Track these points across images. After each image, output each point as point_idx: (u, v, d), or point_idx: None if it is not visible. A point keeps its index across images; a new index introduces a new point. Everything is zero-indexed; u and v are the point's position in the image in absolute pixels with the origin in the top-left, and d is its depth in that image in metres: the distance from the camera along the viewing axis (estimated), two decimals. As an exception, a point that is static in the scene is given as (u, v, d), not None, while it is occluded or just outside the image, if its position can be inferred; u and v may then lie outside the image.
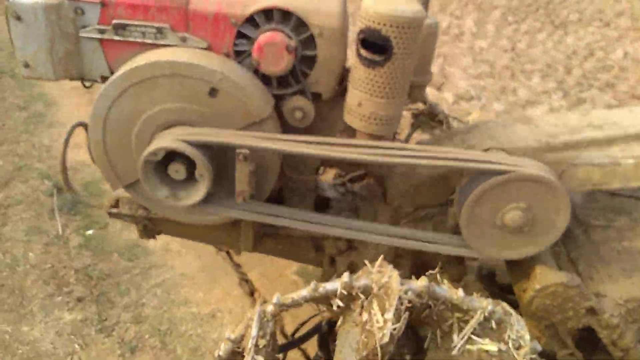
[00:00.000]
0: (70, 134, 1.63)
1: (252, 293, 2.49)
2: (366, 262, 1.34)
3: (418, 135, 2.96)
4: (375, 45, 1.32)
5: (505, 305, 1.33)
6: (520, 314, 1.49)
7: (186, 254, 2.68)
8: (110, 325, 2.31)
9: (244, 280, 2.54)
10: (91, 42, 1.49)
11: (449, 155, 1.36)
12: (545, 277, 1.42)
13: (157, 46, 1.46)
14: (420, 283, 1.26)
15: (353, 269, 1.72)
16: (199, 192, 1.41)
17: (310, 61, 1.45)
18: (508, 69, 5.19)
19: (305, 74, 1.46)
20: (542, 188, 1.35)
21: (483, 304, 1.27)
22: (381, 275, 1.27)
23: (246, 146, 1.35)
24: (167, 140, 1.36)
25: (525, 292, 1.45)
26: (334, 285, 1.27)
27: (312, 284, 1.27)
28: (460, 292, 1.28)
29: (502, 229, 1.40)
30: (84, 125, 1.57)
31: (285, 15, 1.40)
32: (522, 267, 1.50)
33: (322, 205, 1.79)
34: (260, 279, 2.59)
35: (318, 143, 1.38)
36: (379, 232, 1.50)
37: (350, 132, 1.49)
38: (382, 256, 1.35)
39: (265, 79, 1.46)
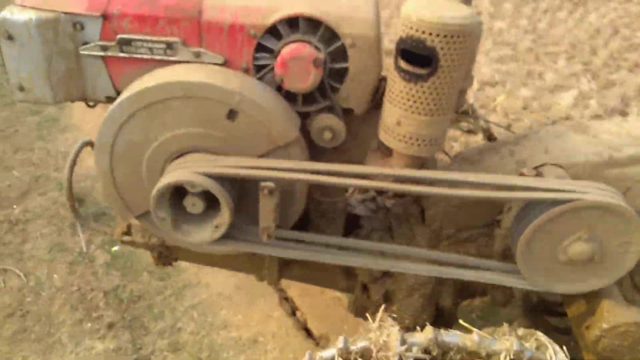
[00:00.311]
0: (76, 156, 1.46)
1: (293, 312, 2.26)
2: (368, 316, 1.20)
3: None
4: (418, 56, 1.12)
5: (540, 335, 1.16)
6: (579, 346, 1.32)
7: (220, 271, 2.42)
8: (146, 355, 2.08)
9: (284, 298, 2.29)
10: (93, 60, 1.30)
11: (501, 183, 1.17)
12: (615, 315, 1.23)
13: (168, 63, 1.27)
14: (425, 335, 1.10)
15: (389, 297, 1.55)
16: (219, 227, 1.24)
17: (341, 74, 1.26)
18: (531, 52, 4.91)
19: (335, 88, 1.27)
20: (611, 216, 1.15)
21: (506, 345, 1.10)
22: (381, 332, 1.11)
23: (273, 179, 1.17)
24: (183, 173, 1.19)
25: (590, 329, 1.26)
26: (331, 353, 1.11)
27: (307, 355, 1.12)
28: (475, 337, 1.11)
29: (565, 262, 1.21)
30: (92, 144, 1.40)
31: (312, 24, 1.20)
32: (584, 300, 1.31)
33: (351, 224, 1.61)
34: (301, 296, 2.34)
35: (351, 174, 1.20)
36: (418, 260, 1.32)
37: (385, 149, 1.30)
38: (382, 307, 1.19)
39: (289, 95, 1.27)
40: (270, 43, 1.23)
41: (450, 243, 1.49)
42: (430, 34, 1.08)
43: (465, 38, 1.10)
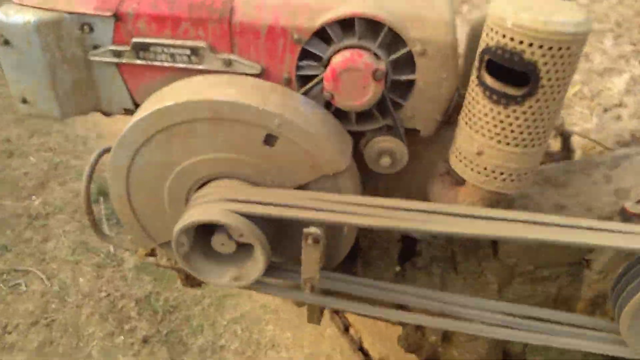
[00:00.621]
0: (93, 167, 1.21)
1: (346, 329, 1.95)
2: None
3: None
4: (510, 70, 0.82)
5: None
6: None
7: (262, 281, 2.14)
8: (188, 378, 1.82)
9: (334, 312, 1.96)
10: (106, 68, 1.04)
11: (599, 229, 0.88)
12: None
13: (193, 72, 1.00)
14: None
15: (448, 337, 1.29)
16: (253, 271, 0.99)
17: (406, 88, 0.97)
18: (575, 30, 4.47)
19: (397, 105, 0.99)
20: None
21: None
22: None
23: (320, 222, 0.90)
24: (211, 210, 0.93)
25: None
26: None
27: None
28: None
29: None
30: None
31: (372, 26, 0.91)
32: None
33: (407, 251, 1.33)
34: (353, 309, 2.04)
35: (410, 210, 0.91)
36: (488, 319, 1.03)
37: (457, 176, 1.01)
38: None
39: (340, 111, 0.99)
40: (318, 49, 0.94)
41: (526, 281, 1.21)
42: (531, 44, 0.78)
43: (577, 49, 0.80)
